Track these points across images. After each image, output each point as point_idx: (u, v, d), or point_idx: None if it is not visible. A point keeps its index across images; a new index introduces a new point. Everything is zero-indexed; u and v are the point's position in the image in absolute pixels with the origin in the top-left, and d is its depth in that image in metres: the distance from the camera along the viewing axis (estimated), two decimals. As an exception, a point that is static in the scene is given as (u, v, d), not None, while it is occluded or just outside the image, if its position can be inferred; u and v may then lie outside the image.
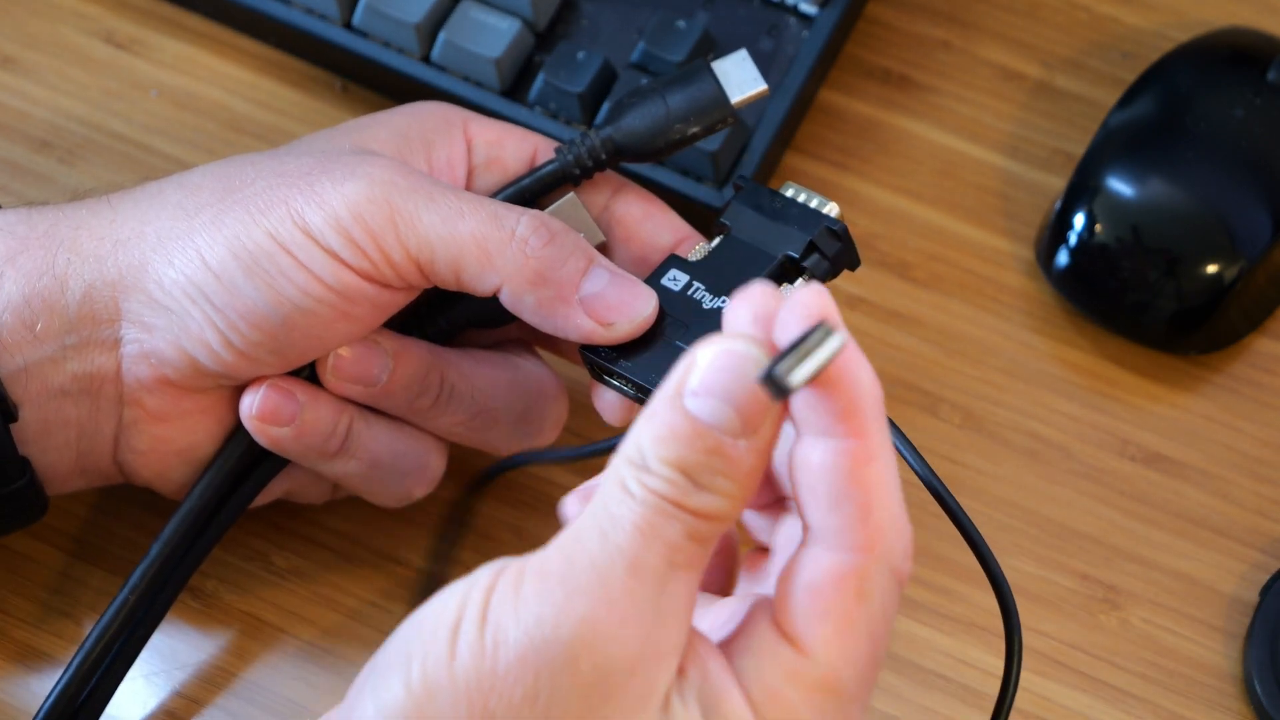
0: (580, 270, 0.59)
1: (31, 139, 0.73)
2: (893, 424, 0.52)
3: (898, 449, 0.54)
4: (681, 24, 0.70)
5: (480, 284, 0.59)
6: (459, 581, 0.47)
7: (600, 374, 0.60)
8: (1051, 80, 0.74)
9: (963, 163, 0.73)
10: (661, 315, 0.59)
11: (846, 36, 0.73)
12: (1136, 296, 0.68)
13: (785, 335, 0.46)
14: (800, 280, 0.59)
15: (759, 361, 0.46)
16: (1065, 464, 0.68)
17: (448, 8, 0.71)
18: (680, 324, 0.59)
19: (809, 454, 0.47)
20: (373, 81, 0.73)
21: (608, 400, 0.61)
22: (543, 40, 0.71)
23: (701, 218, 0.69)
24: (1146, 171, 0.68)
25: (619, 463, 0.47)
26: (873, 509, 0.47)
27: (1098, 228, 0.68)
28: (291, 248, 0.58)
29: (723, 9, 0.72)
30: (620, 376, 0.59)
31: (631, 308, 0.59)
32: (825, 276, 0.60)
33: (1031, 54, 0.75)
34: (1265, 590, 0.64)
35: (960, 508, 0.54)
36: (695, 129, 0.62)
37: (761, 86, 0.62)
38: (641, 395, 0.59)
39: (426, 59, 0.71)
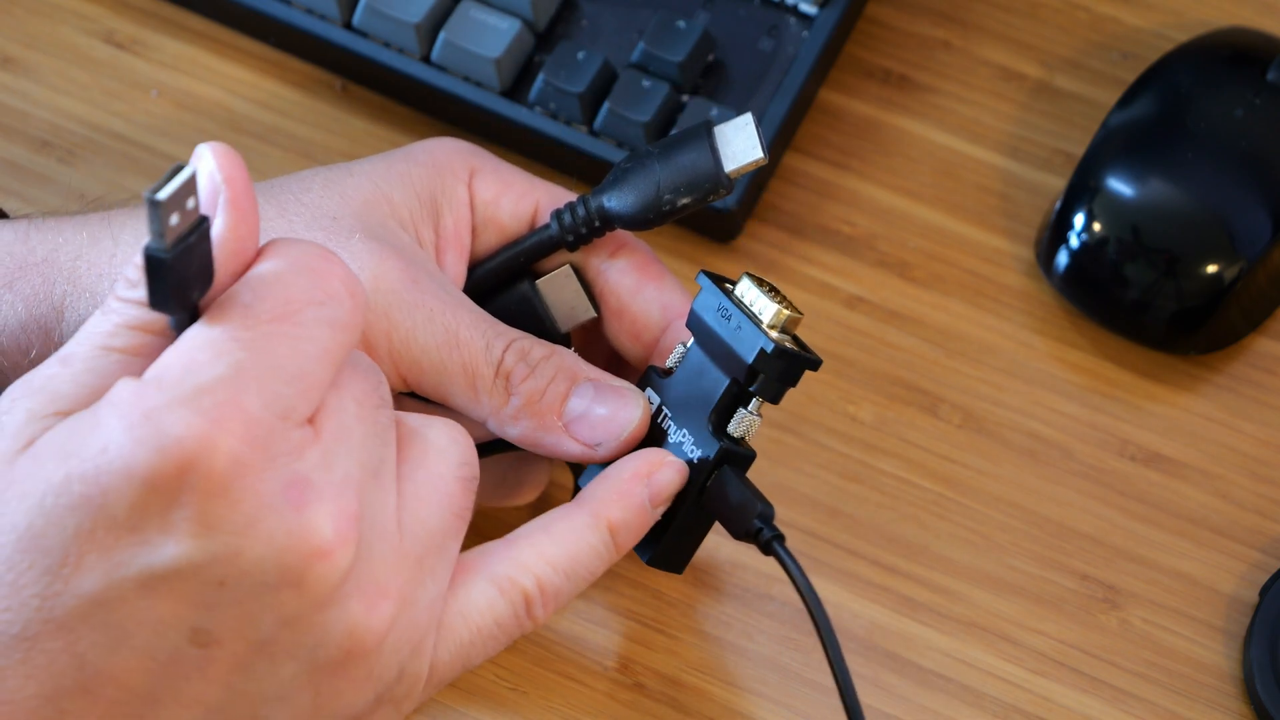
0: (562, 395, 0.58)
1: (31, 139, 0.73)
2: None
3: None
4: (681, 24, 0.70)
5: (465, 412, 0.59)
6: None
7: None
8: (1051, 80, 0.74)
9: (963, 163, 0.73)
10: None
11: (846, 36, 0.73)
12: (1136, 296, 0.68)
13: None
14: (753, 403, 0.58)
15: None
16: (1065, 464, 0.68)
17: (448, 8, 0.71)
18: None
19: None
20: (373, 81, 0.73)
21: None
22: (543, 40, 0.71)
23: (701, 220, 0.69)
24: (1146, 171, 0.68)
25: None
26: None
27: (1097, 228, 0.68)
28: None
29: (723, 9, 0.72)
30: None
31: (616, 423, 0.58)
32: (776, 396, 0.58)
33: (1031, 54, 0.75)
34: (1265, 590, 0.64)
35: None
36: (686, 200, 0.60)
37: (758, 156, 0.60)
38: None
39: (426, 59, 0.71)
